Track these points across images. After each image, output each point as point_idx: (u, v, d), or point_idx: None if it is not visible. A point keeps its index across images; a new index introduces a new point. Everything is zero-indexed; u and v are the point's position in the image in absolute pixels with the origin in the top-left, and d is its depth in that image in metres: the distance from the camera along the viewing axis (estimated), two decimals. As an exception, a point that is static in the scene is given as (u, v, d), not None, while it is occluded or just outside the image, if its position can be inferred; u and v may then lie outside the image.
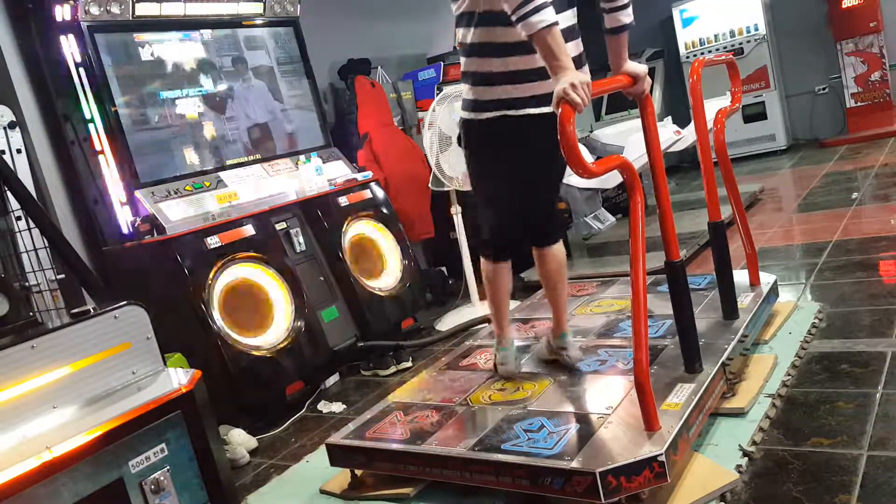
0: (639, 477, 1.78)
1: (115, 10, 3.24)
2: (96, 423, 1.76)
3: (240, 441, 2.85)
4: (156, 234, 3.15)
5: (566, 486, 1.83)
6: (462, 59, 2.31)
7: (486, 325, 3.53)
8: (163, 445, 1.87)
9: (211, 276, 3.09)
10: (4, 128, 3.02)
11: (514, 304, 3.72)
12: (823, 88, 7.48)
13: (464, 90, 2.33)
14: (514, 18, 1.89)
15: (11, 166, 2.88)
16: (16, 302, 2.02)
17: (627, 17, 2.19)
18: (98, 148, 3.25)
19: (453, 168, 3.81)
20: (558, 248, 2.50)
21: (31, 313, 2.07)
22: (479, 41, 2.20)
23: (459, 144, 2.48)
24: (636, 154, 3.56)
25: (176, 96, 3.52)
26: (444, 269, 4.83)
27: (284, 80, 4.10)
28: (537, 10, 1.84)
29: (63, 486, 1.66)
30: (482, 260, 2.54)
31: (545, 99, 2.07)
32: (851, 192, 4.95)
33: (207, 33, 3.71)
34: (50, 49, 3.19)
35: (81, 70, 3.18)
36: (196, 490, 1.93)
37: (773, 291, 2.92)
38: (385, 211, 4.03)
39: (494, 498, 2.03)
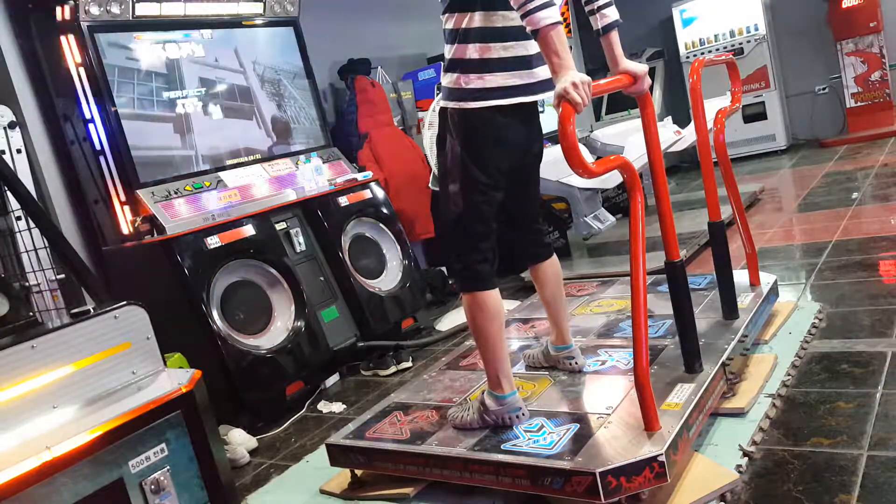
0: (639, 477, 1.78)
1: (115, 10, 3.24)
2: (96, 423, 1.76)
3: (240, 441, 2.85)
4: (156, 234, 3.15)
5: (566, 486, 1.83)
6: (467, 46, 2.06)
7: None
8: (163, 445, 1.87)
9: (211, 276, 3.09)
10: (4, 128, 3.02)
11: (514, 304, 3.72)
12: (823, 88, 7.48)
13: (455, 79, 2.09)
14: (519, 13, 1.88)
15: (11, 166, 2.88)
16: (16, 302, 2.02)
17: (613, 13, 2.16)
18: (98, 148, 3.25)
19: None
20: (556, 259, 2.44)
21: (31, 313, 2.07)
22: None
23: (443, 142, 2.21)
24: (636, 154, 3.56)
25: (176, 96, 3.52)
26: (444, 269, 4.83)
27: (284, 80, 4.10)
28: (543, 6, 1.84)
29: (63, 486, 1.66)
30: (468, 297, 2.13)
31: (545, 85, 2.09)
32: (851, 192, 4.95)
33: (207, 33, 3.71)
34: (50, 49, 3.19)
35: (81, 70, 3.18)
36: (196, 490, 1.93)
37: (773, 291, 2.92)
38: (385, 211, 4.03)
39: (494, 498, 2.04)
